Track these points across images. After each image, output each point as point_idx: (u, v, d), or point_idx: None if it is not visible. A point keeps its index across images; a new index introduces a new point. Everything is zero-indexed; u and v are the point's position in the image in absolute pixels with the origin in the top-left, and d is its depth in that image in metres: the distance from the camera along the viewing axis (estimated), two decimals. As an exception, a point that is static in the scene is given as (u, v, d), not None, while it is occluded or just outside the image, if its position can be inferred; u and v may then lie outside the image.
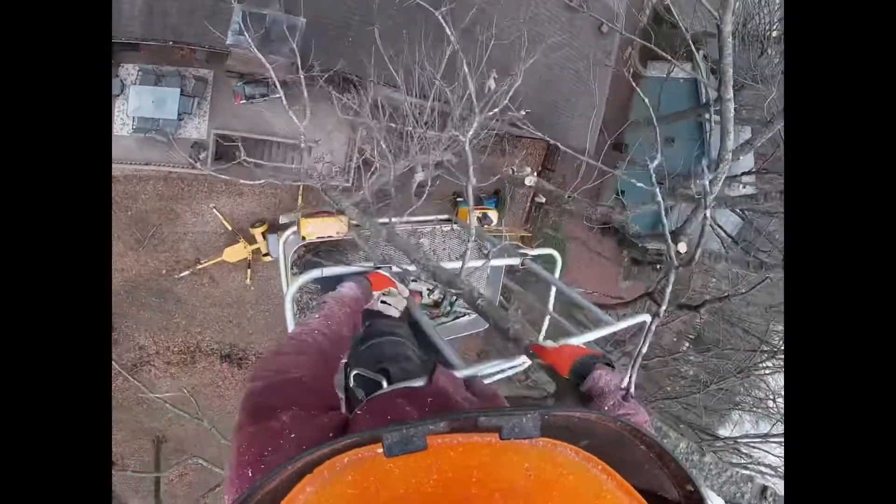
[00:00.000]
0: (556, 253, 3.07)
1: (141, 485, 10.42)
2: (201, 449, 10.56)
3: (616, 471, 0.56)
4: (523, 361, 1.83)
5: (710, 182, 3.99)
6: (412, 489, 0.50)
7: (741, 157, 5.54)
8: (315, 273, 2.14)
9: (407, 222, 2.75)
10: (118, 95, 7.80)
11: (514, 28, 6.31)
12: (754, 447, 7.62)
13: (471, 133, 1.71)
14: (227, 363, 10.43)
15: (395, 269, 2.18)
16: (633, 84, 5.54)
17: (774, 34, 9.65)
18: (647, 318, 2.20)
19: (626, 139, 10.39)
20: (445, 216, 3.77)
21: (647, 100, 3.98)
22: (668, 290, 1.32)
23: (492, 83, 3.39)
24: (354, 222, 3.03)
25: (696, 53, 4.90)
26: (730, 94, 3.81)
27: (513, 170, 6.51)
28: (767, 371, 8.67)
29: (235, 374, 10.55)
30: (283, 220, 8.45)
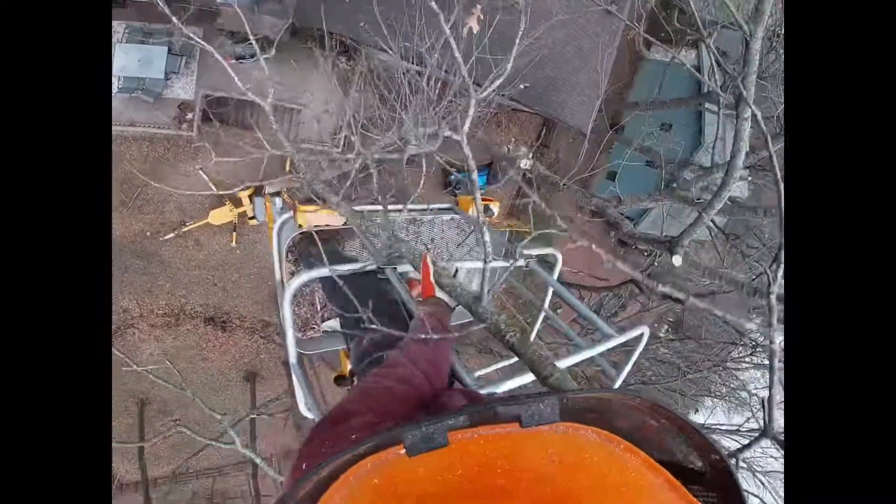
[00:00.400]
0: (558, 254, 2.99)
1: (125, 446, 10.54)
2: (184, 410, 10.63)
3: (638, 447, 0.56)
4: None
5: (714, 196, 3.87)
6: (438, 486, 0.50)
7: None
8: (317, 273, 2.07)
9: (404, 210, 2.67)
10: (103, 52, 7.51)
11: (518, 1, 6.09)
12: (728, 438, 7.88)
13: (467, 125, 1.59)
14: (210, 326, 10.42)
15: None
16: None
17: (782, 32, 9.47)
18: (644, 329, 2.22)
19: (624, 120, 10.28)
20: (447, 205, 3.69)
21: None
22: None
23: (474, 24, 2.97)
24: (345, 218, 2.91)
25: (705, 44, 4.72)
26: (748, 113, 3.63)
27: (508, 148, 6.39)
28: (746, 365, 8.87)
29: (219, 336, 10.56)
30: (268, 189, 8.32)
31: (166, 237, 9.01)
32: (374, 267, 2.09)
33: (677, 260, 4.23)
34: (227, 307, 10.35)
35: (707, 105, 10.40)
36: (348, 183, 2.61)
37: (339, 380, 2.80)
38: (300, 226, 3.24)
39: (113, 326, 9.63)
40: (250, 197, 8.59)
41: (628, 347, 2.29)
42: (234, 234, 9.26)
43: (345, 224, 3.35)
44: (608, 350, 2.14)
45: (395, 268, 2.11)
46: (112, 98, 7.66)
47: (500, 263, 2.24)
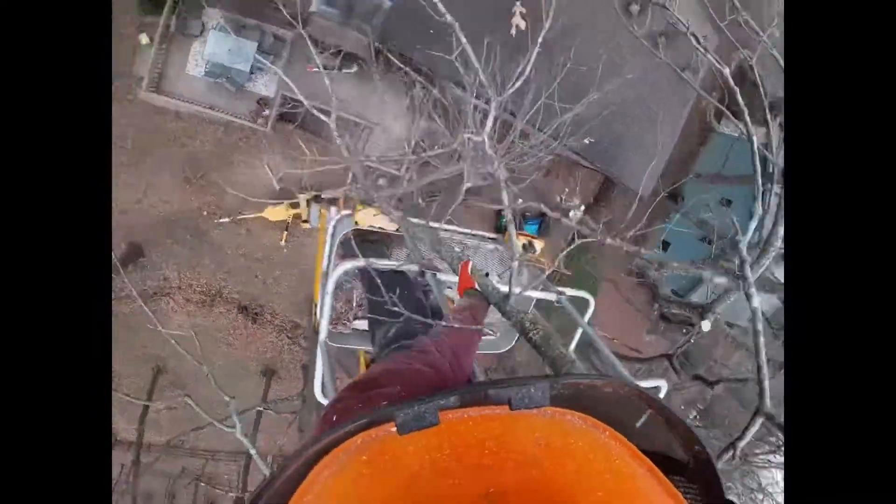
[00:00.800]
0: (591, 297, 2.98)
1: (129, 407, 10.77)
2: (196, 388, 10.84)
3: (623, 435, 0.56)
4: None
5: (749, 266, 3.79)
6: (427, 464, 0.50)
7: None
8: (364, 262, 2.20)
9: (453, 230, 2.75)
10: (197, 36, 8.03)
11: (592, 56, 6.18)
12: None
13: (489, 126, 1.64)
14: (242, 315, 10.64)
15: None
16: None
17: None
18: (662, 383, 2.14)
19: (684, 191, 10.05)
20: (493, 234, 3.76)
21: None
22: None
23: (519, 20, 2.75)
24: (396, 224, 3.03)
25: (770, 120, 4.63)
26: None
27: (561, 198, 6.36)
28: (765, 465, 8.24)
29: (249, 326, 10.77)
30: (326, 194, 8.60)
31: (221, 220, 9.39)
32: (415, 270, 2.18)
33: (706, 325, 4.10)
34: (262, 300, 10.57)
35: (768, 186, 10.03)
36: (409, 202, 2.71)
37: None
38: (356, 223, 3.38)
39: (150, 291, 10.03)
40: (308, 201, 8.85)
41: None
42: (286, 233, 9.51)
43: (396, 230, 3.46)
44: None
45: (435, 274, 2.20)
46: (198, 79, 8.13)
47: (534, 293, 2.27)
